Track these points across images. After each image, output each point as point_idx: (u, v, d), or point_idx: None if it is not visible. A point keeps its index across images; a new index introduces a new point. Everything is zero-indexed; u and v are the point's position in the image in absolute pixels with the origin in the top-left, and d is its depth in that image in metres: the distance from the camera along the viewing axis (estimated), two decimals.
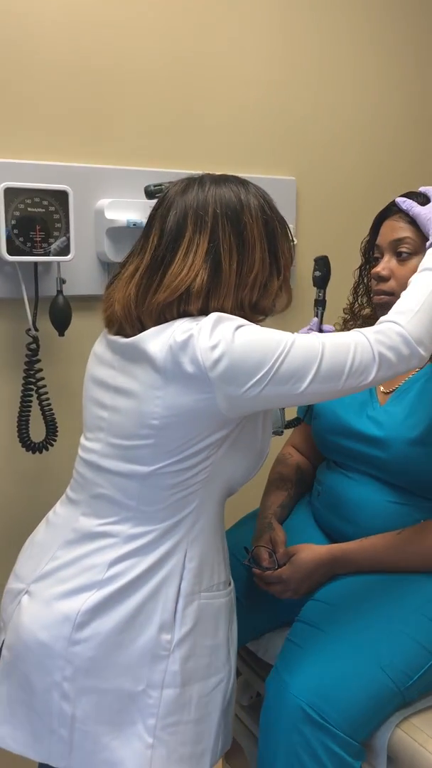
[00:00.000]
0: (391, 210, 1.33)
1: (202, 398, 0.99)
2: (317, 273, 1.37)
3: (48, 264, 1.53)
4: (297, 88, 1.81)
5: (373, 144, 1.96)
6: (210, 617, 1.10)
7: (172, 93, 1.64)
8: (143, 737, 1.05)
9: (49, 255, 1.47)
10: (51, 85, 1.51)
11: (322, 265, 1.36)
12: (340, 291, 1.54)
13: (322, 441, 1.42)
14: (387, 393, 1.35)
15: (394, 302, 1.29)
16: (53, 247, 1.48)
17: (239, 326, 1.00)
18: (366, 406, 1.35)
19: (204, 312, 1.03)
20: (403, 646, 1.13)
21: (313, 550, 1.26)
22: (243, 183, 1.09)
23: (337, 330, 1.50)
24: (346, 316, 1.52)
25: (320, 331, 1.33)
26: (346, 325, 1.52)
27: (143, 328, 1.05)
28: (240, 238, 1.04)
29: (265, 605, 1.35)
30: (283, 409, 1.31)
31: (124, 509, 1.08)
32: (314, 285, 1.38)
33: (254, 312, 1.09)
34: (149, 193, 1.55)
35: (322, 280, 1.37)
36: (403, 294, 1.12)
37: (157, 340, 1.02)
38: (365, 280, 1.46)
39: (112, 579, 1.05)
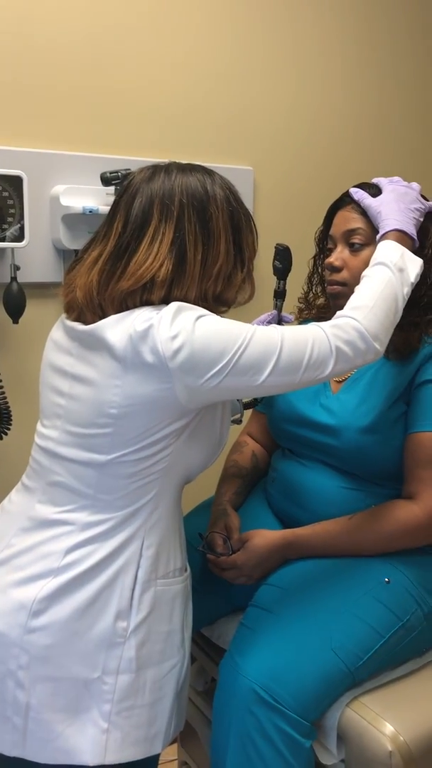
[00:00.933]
0: (344, 201, 1.35)
1: (161, 388, 0.99)
2: (278, 264, 1.35)
3: (2, 250, 1.51)
4: (253, 77, 1.81)
5: (331, 134, 1.98)
6: (165, 603, 1.11)
7: (129, 80, 1.63)
8: (98, 723, 1.05)
9: (3, 241, 1.45)
10: (4, 68, 1.48)
11: (284, 256, 1.34)
12: (296, 280, 1.56)
13: (277, 429, 1.44)
14: (339, 382, 1.37)
15: (347, 292, 1.31)
16: (7, 233, 1.46)
17: (200, 316, 1.00)
18: (319, 395, 1.37)
19: (166, 301, 1.03)
20: (354, 628, 1.16)
21: (266, 536, 1.28)
22: (209, 173, 1.09)
23: (295, 319, 1.52)
24: (301, 305, 1.54)
25: (279, 321, 1.34)
26: (300, 314, 1.54)
27: (104, 315, 1.05)
28: (205, 228, 1.05)
29: (219, 591, 1.36)
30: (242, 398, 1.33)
31: (82, 497, 1.07)
32: (274, 274, 1.37)
33: (217, 303, 1.09)
34: (105, 180, 1.54)
35: (282, 272, 1.35)
36: (358, 288, 1.14)
37: (117, 328, 1.01)
38: (319, 270, 1.47)
39: (69, 566, 1.05)
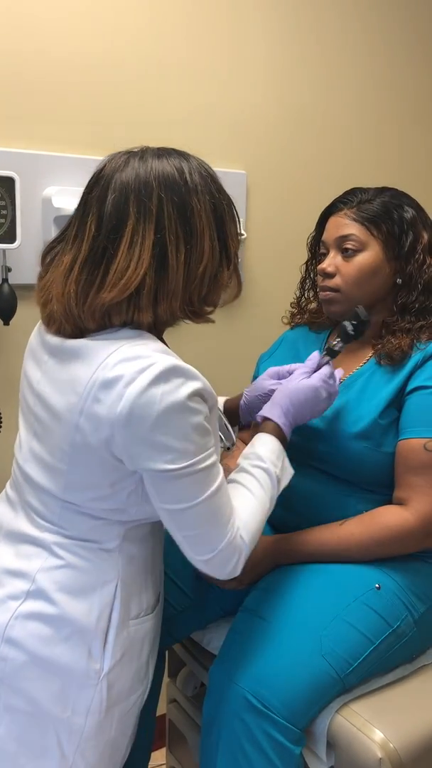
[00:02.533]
0: (337, 206, 1.35)
1: (106, 442, 0.93)
2: (350, 328, 1.23)
3: None
4: (248, 80, 1.81)
5: (325, 138, 1.98)
6: (137, 642, 1.07)
7: (123, 82, 1.63)
8: (63, 759, 1.02)
9: None
10: None
11: (361, 327, 1.23)
12: (288, 285, 1.56)
13: None
14: None
15: (339, 298, 1.32)
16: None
17: (185, 403, 0.91)
18: None
19: (153, 322, 0.97)
20: (344, 634, 1.15)
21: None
22: (185, 157, 0.99)
23: (287, 323, 1.51)
24: (293, 309, 1.54)
25: (316, 369, 1.23)
26: (293, 319, 1.54)
27: (84, 328, 0.98)
28: (187, 225, 0.95)
29: (209, 596, 1.36)
30: (228, 425, 1.28)
31: (47, 522, 1.02)
32: (338, 336, 1.25)
33: (203, 305, 1.02)
34: None
35: (349, 338, 1.25)
36: (242, 495, 1.07)
37: (90, 361, 0.94)
38: (312, 276, 1.47)
39: (40, 593, 1.00)
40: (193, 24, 1.70)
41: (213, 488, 0.97)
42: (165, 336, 1.08)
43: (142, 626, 1.07)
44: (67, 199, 1.56)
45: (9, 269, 1.49)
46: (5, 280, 1.48)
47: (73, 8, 1.54)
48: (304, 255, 1.48)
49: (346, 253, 1.31)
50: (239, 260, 1.05)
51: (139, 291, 0.94)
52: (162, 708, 1.54)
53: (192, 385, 0.93)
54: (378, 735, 1.09)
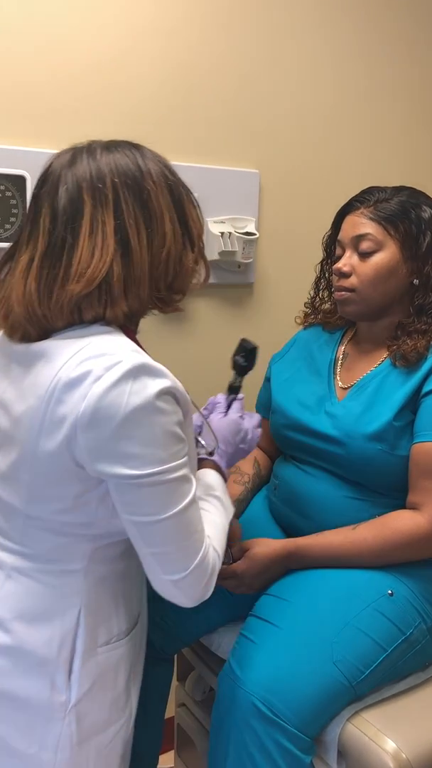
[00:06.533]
0: (353, 205, 1.33)
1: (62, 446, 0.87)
2: (241, 360, 1.23)
3: (4, 250, 1.48)
4: (261, 78, 1.79)
5: (340, 135, 1.95)
6: (110, 670, 0.99)
7: (135, 82, 1.61)
8: None
9: (6, 241, 1.44)
10: (7, 68, 1.46)
11: (250, 355, 1.23)
12: (301, 285, 1.54)
13: (279, 436, 1.42)
14: (345, 388, 1.35)
15: (355, 298, 1.30)
16: (10, 233, 1.44)
17: (153, 403, 0.85)
18: (324, 401, 1.35)
19: (124, 315, 0.92)
20: (356, 642, 1.13)
21: (268, 545, 1.25)
22: (137, 147, 0.96)
23: (300, 323, 1.49)
24: (307, 309, 1.52)
25: (226, 410, 1.21)
26: (306, 319, 1.52)
27: (50, 328, 0.92)
28: (145, 208, 0.91)
29: (219, 599, 1.33)
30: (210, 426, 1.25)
31: (9, 541, 0.96)
32: (233, 368, 1.24)
33: (171, 292, 0.97)
34: None
35: (243, 370, 1.24)
36: (210, 520, 1.01)
37: (54, 361, 0.88)
38: (326, 275, 1.45)
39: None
40: (203, 17, 1.68)
41: (185, 503, 0.89)
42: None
43: (113, 653, 0.99)
44: None
45: None
46: None
47: (80, 5, 1.52)
48: (317, 254, 1.46)
49: (363, 253, 1.28)
50: (203, 245, 1.02)
51: (108, 280, 0.89)
52: (171, 710, 1.53)
53: (161, 383, 0.87)
54: (390, 745, 1.07)
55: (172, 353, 1.74)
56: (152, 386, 0.86)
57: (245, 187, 1.77)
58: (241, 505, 1.43)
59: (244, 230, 1.75)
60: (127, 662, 1.03)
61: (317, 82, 1.89)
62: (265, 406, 1.50)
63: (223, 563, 1.25)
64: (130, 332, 0.97)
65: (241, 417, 1.19)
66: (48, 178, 0.93)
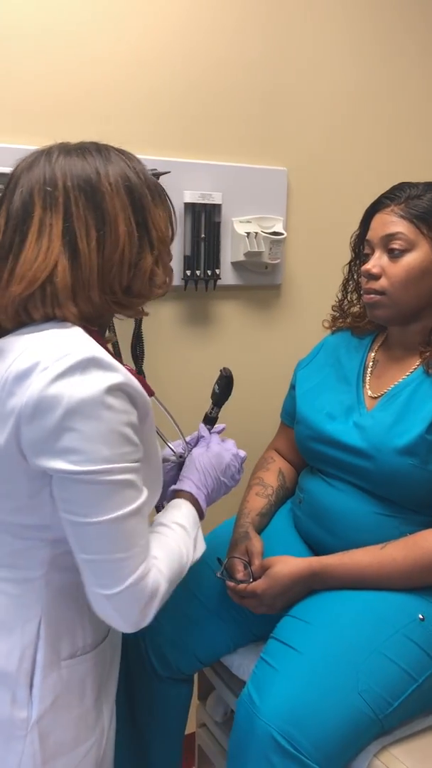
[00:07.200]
0: (383, 203, 1.25)
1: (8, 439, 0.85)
2: (217, 389, 1.23)
3: None
4: (290, 74, 1.72)
5: (371, 132, 1.88)
6: (75, 685, 0.96)
7: (160, 79, 1.55)
8: None
9: None
10: (3, 64, 1.41)
11: (225, 384, 1.22)
12: (330, 287, 1.47)
13: (304, 447, 1.35)
14: (375, 397, 1.28)
15: (385, 301, 1.23)
16: None
17: (102, 397, 0.83)
18: (352, 411, 1.28)
19: (75, 316, 0.90)
20: (383, 670, 1.06)
21: (290, 564, 1.19)
22: (100, 149, 0.95)
23: (328, 328, 1.42)
24: (335, 313, 1.46)
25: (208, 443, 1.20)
26: (334, 323, 1.45)
27: (2, 328, 0.93)
28: (98, 211, 0.90)
29: (239, 619, 1.28)
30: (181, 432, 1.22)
31: None
32: (211, 397, 1.24)
33: (128, 295, 0.95)
34: None
35: (219, 399, 1.23)
36: (159, 539, 0.97)
37: (7, 355, 0.88)
38: (355, 277, 1.38)
39: None
40: (231, 19, 1.62)
41: (126, 510, 0.85)
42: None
43: (78, 667, 0.96)
44: None
45: None
46: None
47: (102, 6, 1.48)
48: (347, 255, 1.39)
49: (393, 253, 1.21)
50: (171, 245, 0.99)
51: (52, 282, 0.89)
52: (193, 726, 1.48)
53: (113, 377, 0.84)
54: None
55: (197, 356, 1.70)
56: (102, 380, 0.84)
57: (272, 185, 1.71)
58: (263, 519, 1.36)
59: (271, 230, 1.69)
60: (96, 677, 0.99)
61: (345, 77, 1.82)
62: (290, 414, 1.43)
63: (243, 582, 1.20)
64: (95, 333, 0.94)
65: (221, 448, 1.17)
66: (10, 181, 0.95)
